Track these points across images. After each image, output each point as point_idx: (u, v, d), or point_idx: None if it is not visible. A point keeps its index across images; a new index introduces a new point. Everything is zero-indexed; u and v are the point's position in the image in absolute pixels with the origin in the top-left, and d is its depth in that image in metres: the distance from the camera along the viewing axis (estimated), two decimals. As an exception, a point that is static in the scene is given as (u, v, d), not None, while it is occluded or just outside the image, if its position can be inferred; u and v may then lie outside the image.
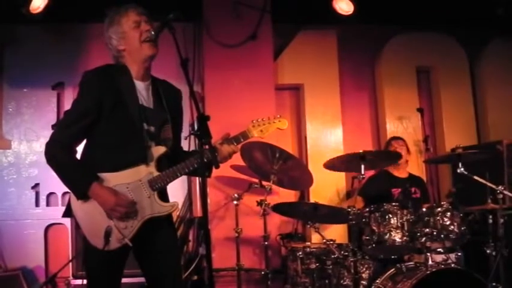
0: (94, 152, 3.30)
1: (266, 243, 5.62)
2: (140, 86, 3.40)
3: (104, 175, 3.25)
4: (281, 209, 5.56)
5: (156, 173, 3.32)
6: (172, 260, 3.45)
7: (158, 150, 3.36)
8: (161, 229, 3.39)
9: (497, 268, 5.16)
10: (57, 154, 3.23)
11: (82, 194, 3.21)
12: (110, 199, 3.19)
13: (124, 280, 5.56)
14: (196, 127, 3.17)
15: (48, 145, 3.25)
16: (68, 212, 3.32)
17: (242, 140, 3.53)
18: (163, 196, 3.41)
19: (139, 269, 5.62)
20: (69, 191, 3.29)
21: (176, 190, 6.54)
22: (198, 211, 6.33)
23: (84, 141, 3.35)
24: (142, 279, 5.69)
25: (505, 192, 5.18)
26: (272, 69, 6.73)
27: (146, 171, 3.31)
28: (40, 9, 5.86)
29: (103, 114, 3.24)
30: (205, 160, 3.25)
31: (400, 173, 6.29)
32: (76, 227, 3.34)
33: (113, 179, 3.26)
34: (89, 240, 3.24)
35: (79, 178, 3.23)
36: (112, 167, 3.26)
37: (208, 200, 6.13)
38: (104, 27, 3.46)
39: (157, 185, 3.31)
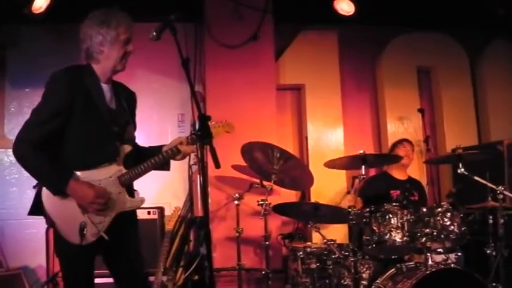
0: (64, 151, 3.35)
1: (267, 243, 5.63)
2: (105, 88, 3.49)
3: (76, 173, 3.34)
4: (282, 209, 5.57)
5: (124, 170, 3.47)
6: (140, 257, 3.64)
7: (125, 149, 3.53)
8: (129, 225, 3.58)
9: (497, 268, 5.17)
10: (28, 153, 3.26)
11: (60, 190, 3.28)
12: (89, 193, 3.29)
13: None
14: (197, 127, 3.21)
15: (18, 144, 3.28)
16: (35, 210, 3.39)
17: (195, 142, 3.63)
18: (131, 192, 3.58)
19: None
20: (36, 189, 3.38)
21: (178, 190, 6.61)
22: (199, 211, 6.34)
23: (54, 141, 3.35)
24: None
25: (505, 192, 5.19)
26: (273, 69, 6.74)
27: (116, 169, 3.45)
28: (42, 10, 5.87)
29: (73, 114, 3.30)
30: (166, 157, 3.56)
31: (399, 175, 6.28)
32: (48, 224, 3.40)
33: (85, 176, 3.35)
34: (64, 236, 3.33)
35: (56, 175, 3.30)
36: (83, 165, 3.36)
37: (209, 200, 6.15)
38: (91, 20, 3.48)
39: (126, 181, 3.47)
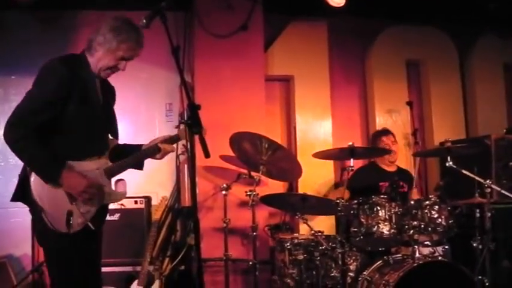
0: (55, 141, 3.37)
1: (254, 233, 5.61)
2: (96, 81, 3.56)
3: (69, 162, 3.37)
4: (270, 200, 5.56)
5: (110, 164, 3.56)
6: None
7: (112, 142, 3.65)
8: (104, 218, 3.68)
9: (483, 261, 5.21)
10: (24, 138, 3.25)
11: (52, 179, 3.31)
12: (82, 182, 3.34)
13: (111, 269, 5.62)
14: (186, 116, 3.19)
15: (12, 128, 3.27)
16: (19, 196, 3.41)
17: (175, 141, 3.82)
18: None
19: (126, 258, 5.65)
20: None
21: (165, 180, 6.58)
22: (186, 201, 6.32)
23: (44, 130, 3.34)
24: (127, 269, 5.75)
25: (493, 186, 5.22)
26: (262, 60, 6.70)
27: (103, 162, 3.54)
28: (30, -4, 5.82)
29: (68, 105, 3.33)
30: (146, 154, 3.69)
31: (388, 166, 6.29)
32: (32, 213, 3.41)
33: (76, 167, 3.39)
34: (52, 224, 3.33)
35: (50, 163, 3.31)
36: (73, 156, 3.39)
37: (197, 190, 6.12)
38: (111, 20, 3.50)
39: (112, 174, 3.58)
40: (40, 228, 3.41)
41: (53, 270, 3.47)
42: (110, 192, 3.57)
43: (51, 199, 3.33)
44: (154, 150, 3.68)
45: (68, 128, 3.36)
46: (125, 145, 3.81)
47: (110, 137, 3.67)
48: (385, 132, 6.43)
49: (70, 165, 3.35)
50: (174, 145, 3.83)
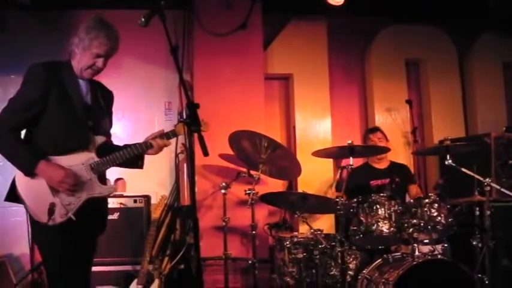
0: (36, 138, 3.54)
1: (254, 232, 5.62)
2: (81, 83, 3.67)
3: (49, 157, 3.50)
4: (269, 198, 5.56)
5: (96, 159, 3.61)
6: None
7: (99, 140, 3.67)
8: (96, 219, 3.75)
9: (483, 260, 5.20)
10: (3, 136, 3.45)
11: (30, 170, 3.44)
12: (59, 172, 3.46)
13: (110, 268, 5.62)
14: (185, 115, 3.20)
15: None
16: (11, 196, 3.55)
17: (171, 136, 3.83)
18: (103, 181, 3.73)
19: (125, 257, 5.65)
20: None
21: (164, 178, 6.59)
22: (185, 200, 6.32)
23: (29, 127, 3.58)
24: (127, 268, 5.75)
25: (492, 184, 5.22)
26: (262, 58, 6.70)
27: (88, 157, 3.60)
28: (30, -5, 5.82)
29: (48, 105, 3.49)
30: (140, 152, 3.70)
31: (380, 164, 6.29)
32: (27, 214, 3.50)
33: (57, 161, 3.51)
34: (34, 216, 3.48)
35: (27, 155, 3.47)
36: (53, 152, 3.51)
37: (196, 189, 6.12)
38: (85, 22, 3.65)
39: (98, 168, 3.61)
40: (30, 223, 3.56)
41: (44, 263, 3.66)
42: (95, 186, 3.60)
43: (33, 191, 3.47)
44: (146, 146, 3.71)
45: (47, 125, 3.50)
46: (118, 145, 3.85)
47: (99, 135, 3.70)
48: (372, 130, 6.49)
49: (52, 159, 3.48)
50: (171, 141, 3.84)
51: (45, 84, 3.47)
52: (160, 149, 3.77)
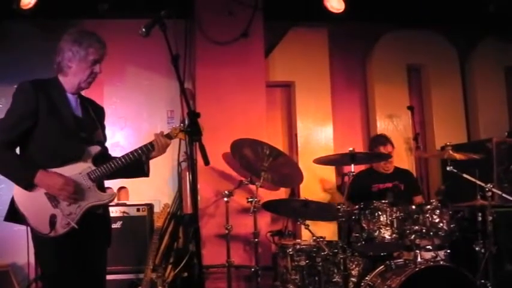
0: (32, 153, 3.53)
1: (256, 240, 5.63)
2: (70, 98, 3.68)
3: (47, 170, 3.49)
4: (271, 206, 5.57)
5: (93, 167, 3.59)
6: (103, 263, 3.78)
7: (94, 149, 3.64)
8: (99, 230, 3.70)
9: (485, 265, 5.20)
10: None
11: (28, 183, 3.44)
12: (58, 180, 3.44)
13: (114, 277, 5.62)
14: (186, 124, 3.21)
15: None
16: (11, 215, 3.53)
17: (171, 137, 3.76)
18: (103, 190, 3.69)
19: (128, 266, 5.66)
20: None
21: (167, 187, 6.59)
22: (188, 208, 6.33)
23: (21, 144, 3.58)
24: (130, 276, 5.75)
25: (494, 190, 5.23)
26: (263, 66, 6.72)
27: (84, 166, 3.58)
28: (31, 5, 5.83)
29: (39, 119, 3.50)
30: (139, 153, 3.65)
31: (384, 169, 6.27)
32: (26, 224, 3.51)
33: (55, 171, 3.50)
34: (36, 229, 3.44)
35: (24, 168, 3.48)
36: (48, 164, 3.50)
37: (199, 197, 6.13)
38: (68, 36, 3.65)
39: (96, 177, 3.58)
40: (32, 239, 3.53)
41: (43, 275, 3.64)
42: (95, 194, 3.57)
43: (33, 204, 3.45)
44: (147, 148, 3.67)
45: (39, 139, 3.51)
46: (117, 156, 3.83)
47: (93, 146, 3.68)
48: (383, 142, 6.23)
49: (49, 171, 3.47)
50: (170, 140, 3.77)
51: (34, 99, 3.49)
52: (163, 148, 3.73)
